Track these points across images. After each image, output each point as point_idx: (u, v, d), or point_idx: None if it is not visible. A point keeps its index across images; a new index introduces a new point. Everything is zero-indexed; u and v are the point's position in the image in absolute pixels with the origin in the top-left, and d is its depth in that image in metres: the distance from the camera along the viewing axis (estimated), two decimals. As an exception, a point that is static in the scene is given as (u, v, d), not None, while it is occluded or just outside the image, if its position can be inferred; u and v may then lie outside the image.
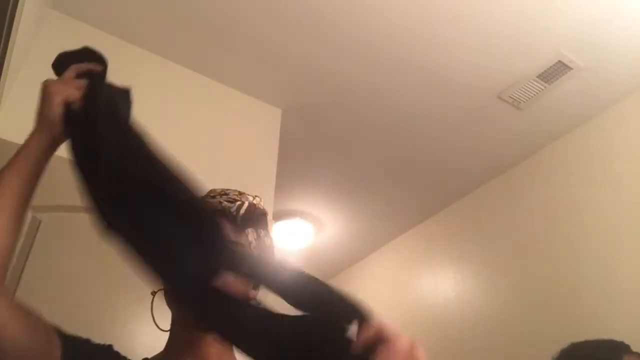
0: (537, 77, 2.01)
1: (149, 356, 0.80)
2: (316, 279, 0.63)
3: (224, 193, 0.85)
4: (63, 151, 1.61)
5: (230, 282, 0.63)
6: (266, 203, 2.06)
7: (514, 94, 2.10)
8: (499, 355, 2.23)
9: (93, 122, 0.71)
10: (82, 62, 0.82)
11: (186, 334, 0.78)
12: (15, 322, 0.62)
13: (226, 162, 1.92)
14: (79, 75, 0.79)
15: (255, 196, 0.87)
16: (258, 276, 0.67)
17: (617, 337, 1.80)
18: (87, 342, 0.74)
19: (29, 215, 1.31)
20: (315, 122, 2.27)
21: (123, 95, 0.84)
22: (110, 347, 0.77)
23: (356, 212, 2.90)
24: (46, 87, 0.75)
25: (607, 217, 2.01)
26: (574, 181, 2.19)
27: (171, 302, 0.78)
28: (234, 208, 0.81)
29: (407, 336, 0.60)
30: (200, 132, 1.91)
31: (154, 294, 0.84)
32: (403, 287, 2.94)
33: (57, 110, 0.72)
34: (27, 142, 0.73)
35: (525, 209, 2.38)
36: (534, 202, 2.34)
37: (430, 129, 2.30)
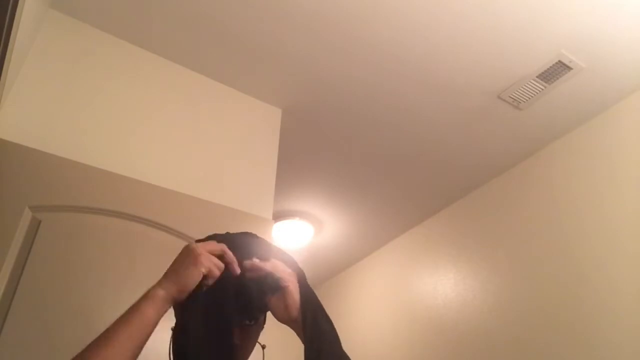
0: (537, 77, 2.01)
1: None
2: None
3: None
4: (63, 151, 1.61)
5: None
6: (266, 203, 2.07)
7: (514, 94, 2.10)
8: (498, 355, 2.23)
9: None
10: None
11: None
12: None
13: (226, 162, 1.92)
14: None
15: None
16: None
17: (617, 336, 1.81)
18: None
19: (29, 215, 1.31)
20: (315, 122, 2.27)
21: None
22: None
23: (356, 212, 2.90)
24: (194, 249, 0.75)
25: (607, 217, 2.01)
26: (574, 181, 2.20)
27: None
28: None
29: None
30: (200, 132, 1.91)
31: (174, 330, 0.81)
32: (403, 287, 2.94)
33: (197, 278, 0.72)
34: (152, 306, 0.70)
35: (525, 209, 2.38)
36: (534, 202, 2.34)
37: (430, 129, 2.30)
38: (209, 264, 0.74)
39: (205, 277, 0.74)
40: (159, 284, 0.73)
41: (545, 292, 2.13)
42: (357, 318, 3.21)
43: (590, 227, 2.05)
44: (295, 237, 3.03)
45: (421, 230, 2.97)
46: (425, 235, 2.92)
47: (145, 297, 0.71)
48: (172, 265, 0.76)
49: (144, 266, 1.43)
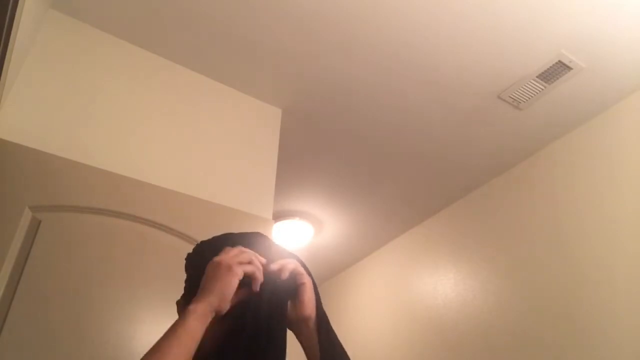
0: (537, 77, 2.01)
1: None
2: None
3: None
4: (63, 151, 1.62)
5: None
6: (266, 203, 2.07)
7: (514, 94, 2.10)
8: (498, 355, 2.23)
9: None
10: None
11: None
12: None
13: (226, 162, 1.92)
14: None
15: None
16: None
17: (617, 335, 1.81)
18: None
19: (29, 215, 1.31)
20: (315, 122, 2.28)
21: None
22: None
23: (356, 212, 2.90)
24: (220, 262, 0.74)
25: (607, 217, 2.01)
26: (574, 181, 2.20)
27: None
28: None
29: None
30: (200, 132, 1.91)
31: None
32: (403, 287, 2.94)
33: (234, 285, 0.72)
34: (197, 319, 0.70)
35: (525, 209, 2.38)
36: (534, 202, 2.34)
37: (430, 129, 2.30)
38: (244, 269, 0.74)
39: (245, 283, 0.73)
40: (197, 300, 0.71)
41: (545, 292, 2.13)
42: (357, 318, 3.21)
43: (590, 227, 2.05)
44: (295, 237, 3.03)
45: (421, 230, 2.97)
46: (425, 235, 2.93)
47: (187, 312, 0.70)
48: (203, 283, 0.74)
49: (144, 266, 1.43)
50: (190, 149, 1.86)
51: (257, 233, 0.88)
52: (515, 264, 2.32)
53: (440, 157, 2.47)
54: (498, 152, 2.43)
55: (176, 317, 0.83)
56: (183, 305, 0.83)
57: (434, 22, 1.81)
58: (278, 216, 2.91)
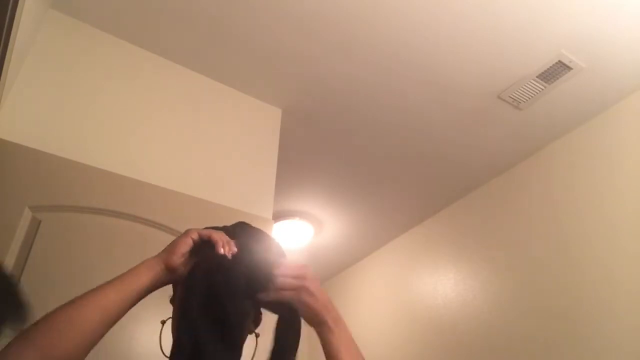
0: (537, 77, 2.01)
1: None
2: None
3: None
4: (63, 151, 1.61)
5: None
6: (266, 203, 2.07)
7: (514, 94, 2.10)
8: (498, 355, 2.23)
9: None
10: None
11: None
12: None
13: (226, 162, 1.92)
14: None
15: None
16: None
17: (617, 335, 1.81)
18: None
19: (29, 215, 1.31)
20: (315, 122, 2.28)
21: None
22: None
23: (356, 212, 2.90)
24: (187, 231, 0.82)
25: (607, 217, 2.01)
26: (574, 181, 2.20)
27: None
28: None
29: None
30: (200, 132, 1.91)
31: (163, 323, 0.85)
32: (403, 287, 2.94)
33: (186, 242, 0.79)
34: (144, 267, 0.77)
35: (525, 209, 2.38)
36: (534, 202, 2.34)
37: (430, 129, 2.30)
38: (199, 232, 0.80)
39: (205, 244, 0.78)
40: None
41: (545, 292, 2.13)
42: (357, 318, 3.21)
43: (590, 227, 2.05)
44: (295, 237, 3.03)
45: (421, 230, 2.97)
46: (425, 235, 2.92)
47: (137, 265, 0.77)
48: None
49: (144, 266, 1.43)
50: (190, 149, 1.86)
51: (238, 223, 0.91)
52: (515, 264, 2.32)
53: (440, 157, 2.46)
54: (498, 152, 2.43)
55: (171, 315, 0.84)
56: (173, 301, 0.84)
57: (434, 22, 1.81)
58: (278, 216, 2.91)
